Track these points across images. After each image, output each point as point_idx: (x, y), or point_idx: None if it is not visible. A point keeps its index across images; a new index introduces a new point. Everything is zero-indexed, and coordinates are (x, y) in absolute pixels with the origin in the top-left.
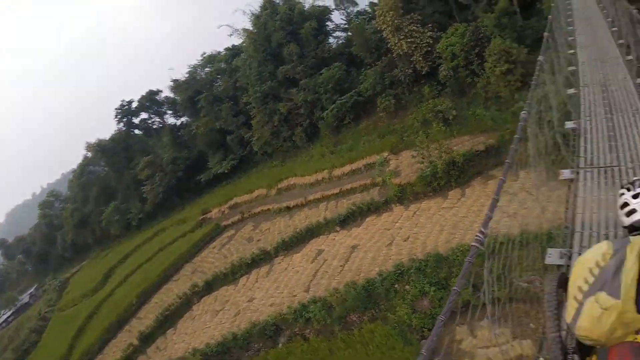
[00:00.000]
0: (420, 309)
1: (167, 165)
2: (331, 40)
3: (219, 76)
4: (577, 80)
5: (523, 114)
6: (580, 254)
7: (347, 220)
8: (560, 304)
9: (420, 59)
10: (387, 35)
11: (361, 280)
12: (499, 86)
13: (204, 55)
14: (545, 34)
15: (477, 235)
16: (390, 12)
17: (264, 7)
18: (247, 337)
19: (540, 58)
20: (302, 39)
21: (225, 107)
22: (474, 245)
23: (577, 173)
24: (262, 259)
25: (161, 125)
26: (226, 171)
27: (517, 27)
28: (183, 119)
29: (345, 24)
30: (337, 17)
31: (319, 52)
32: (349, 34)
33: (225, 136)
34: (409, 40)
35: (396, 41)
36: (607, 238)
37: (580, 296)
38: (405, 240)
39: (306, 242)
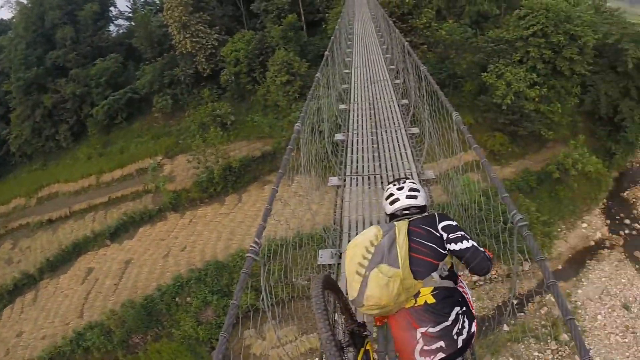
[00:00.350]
0: (205, 319)
1: None
2: (112, 28)
3: None
4: (349, 97)
5: (297, 126)
6: None
7: (119, 232)
8: (327, 305)
9: (204, 60)
10: (173, 31)
11: (139, 297)
12: (278, 95)
13: None
14: (326, 52)
15: (251, 246)
16: (179, 8)
17: None
18: None
19: (318, 74)
20: (81, 22)
21: None
22: (249, 256)
23: (344, 180)
24: (26, 283)
25: None
26: None
27: (302, 42)
28: None
29: (129, 12)
30: (122, 4)
31: (96, 40)
32: (132, 23)
33: None
34: (194, 39)
35: (181, 39)
36: None
37: (362, 271)
38: (182, 250)
39: (74, 260)
